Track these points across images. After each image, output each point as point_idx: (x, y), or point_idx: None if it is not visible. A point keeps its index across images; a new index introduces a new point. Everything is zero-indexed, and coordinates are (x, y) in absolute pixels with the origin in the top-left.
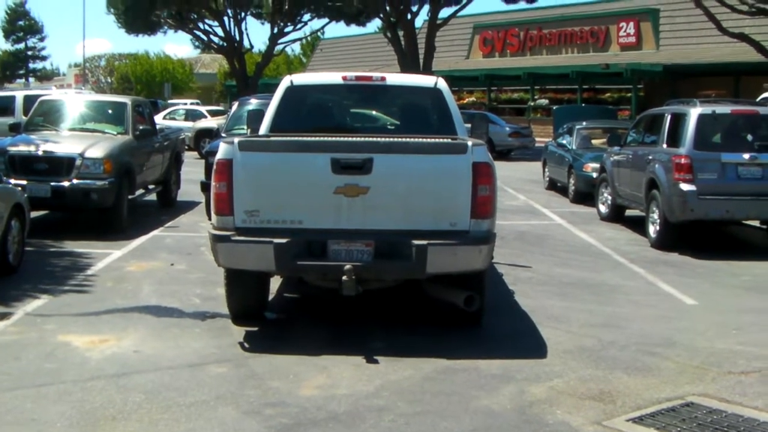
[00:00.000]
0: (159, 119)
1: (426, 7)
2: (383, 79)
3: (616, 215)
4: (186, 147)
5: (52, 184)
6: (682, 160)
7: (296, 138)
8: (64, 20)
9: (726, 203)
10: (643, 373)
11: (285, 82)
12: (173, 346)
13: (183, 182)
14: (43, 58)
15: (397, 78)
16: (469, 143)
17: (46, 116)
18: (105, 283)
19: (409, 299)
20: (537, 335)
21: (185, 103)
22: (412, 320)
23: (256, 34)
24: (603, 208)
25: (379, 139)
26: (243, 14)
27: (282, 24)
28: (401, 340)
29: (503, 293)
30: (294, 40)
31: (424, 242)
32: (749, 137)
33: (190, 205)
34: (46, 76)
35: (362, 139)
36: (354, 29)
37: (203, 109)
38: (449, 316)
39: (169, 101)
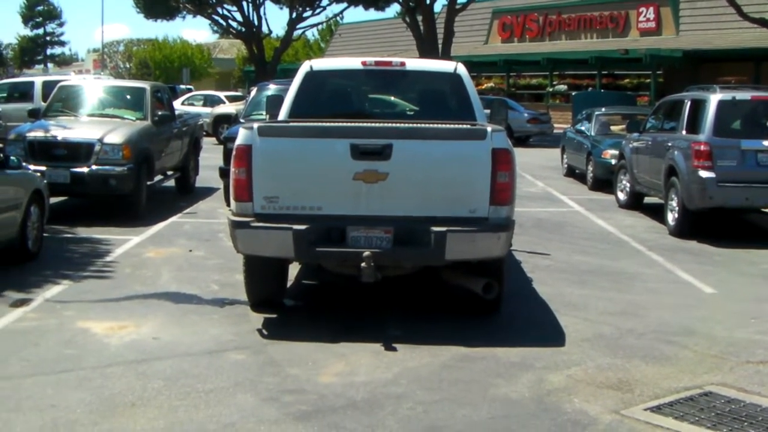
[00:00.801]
0: (177, 105)
1: None
2: (403, 64)
3: (635, 202)
4: (204, 133)
5: (72, 170)
6: (702, 147)
7: (315, 123)
8: (83, 5)
9: (745, 191)
10: (661, 361)
11: (304, 68)
12: (192, 332)
13: (201, 168)
14: (62, 44)
15: (416, 63)
16: (489, 129)
17: (65, 102)
18: (124, 270)
19: (427, 286)
20: (555, 323)
21: (189, 89)
22: (430, 308)
23: (275, 18)
24: (621, 196)
25: (398, 124)
26: None
27: (301, 9)
28: (419, 327)
29: (522, 281)
30: (313, 25)
31: (443, 229)
32: None
33: (208, 192)
34: (64, 62)
35: (381, 124)
36: (372, 14)
37: (222, 94)
38: (467, 304)
39: (186, 86)
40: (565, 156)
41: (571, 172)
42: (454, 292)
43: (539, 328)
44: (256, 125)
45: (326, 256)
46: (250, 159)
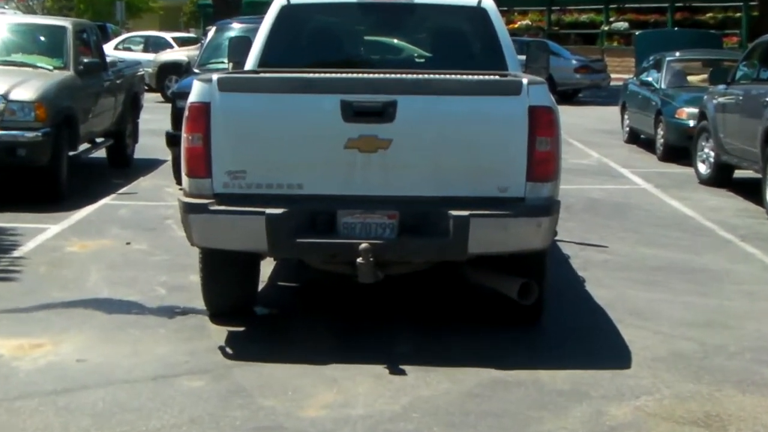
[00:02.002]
0: (109, 49)
1: None
2: None
3: (721, 177)
4: (146, 87)
5: None
6: None
7: (294, 74)
8: None
9: None
10: (763, 389)
11: (279, 1)
12: (131, 352)
13: (142, 134)
14: None
15: None
16: (524, 81)
17: None
18: (37, 269)
19: (444, 289)
20: (616, 337)
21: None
22: (449, 317)
23: None
24: (703, 168)
25: (404, 75)
26: None
27: None
28: (435, 343)
29: (570, 281)
30: None
31: (465, 213)
32: None
33: (151, 165)
34: None
35: (382, 76)
36: None
37: (168, 36)
38: (498, 312)
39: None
40: (626, 116)
41: (635, 138)
42: (479, 296)
43: (595, 343)
44: (215, 77)
45: (310, 250)
46: (207, 121)
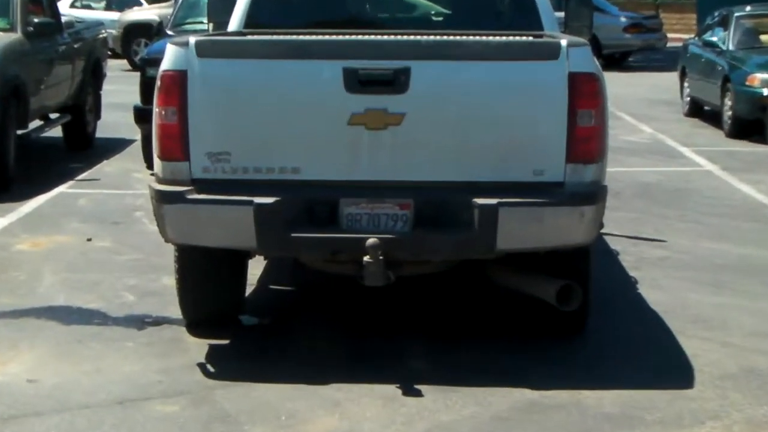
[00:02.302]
0: (65, 7)
1: None
2: None
3: None
4: (109, 52)
5: None
6: None
7: (287, 37)
8: None
9: None
10: None
11: None
12: (93, 370)
13: (105, 109)
14: None
15: None
16: (563, 43)
17: None
18: None
19: (467, 294)
20: (676, 351)
21: None
22: (474, 327)
23: None
24: None
25: (418, 37)
26: None
27: None
28: (457, 358)
29: (620, 283)
30: None
31: (493, 201)
32: None
33: (117, 146)
34: None
35: (392, 38)
36: None
37: None
38: (532, 321)
39: None
40: (686, 84)
41: (697, 110)
42: (509, 302)
43: (650, 358)
44: (192, 39)
45: (308, 246)
46: (184, 93)
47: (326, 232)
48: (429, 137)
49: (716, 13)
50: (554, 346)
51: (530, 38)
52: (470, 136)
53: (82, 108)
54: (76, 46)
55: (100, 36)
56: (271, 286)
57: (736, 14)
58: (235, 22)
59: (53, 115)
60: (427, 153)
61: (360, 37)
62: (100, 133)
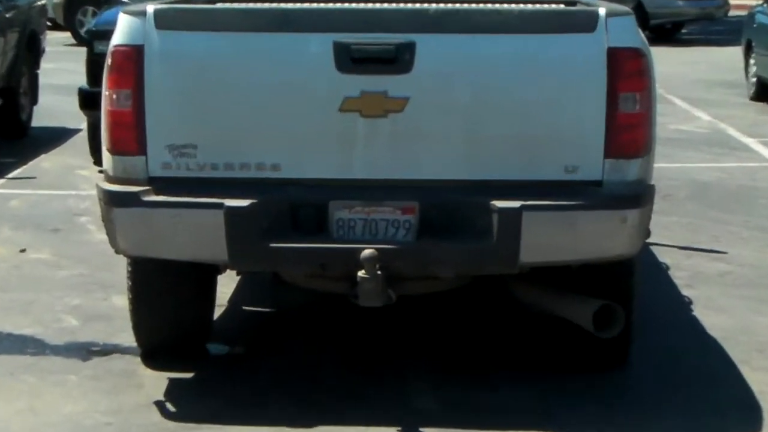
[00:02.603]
0: None
1: None
2: None
3: None
4: (49, 24)
5: None
6: None
7: (266, 6)
8: None
9: None
10: None
11: None
12: (25, 409)
13: (44, 91)
14: None
15: None
16: (601, 12)
17: None
18: None
19: (482, 315)
20: (740, 385)
21: None
22: (490, 357)
23: None
24: None
25: (425, 6)
26: None
27: None
28: (469, 395)
29: (670, 303)
30: None
31: (515, 204)
32: None
33: (57, 136)
34: None
35: (394, 6)
36: None
37: None
38: (563, 349)
39: None
40: (752, 61)
41: (766, 92)
42: (535, 326)
43: (708, 395)
44: (150, 8)
45: (290, 259)
46: (140, 73)
47: (313, 241)
48: (437, 126)
49: None
50: (589, 380)
51: (561, 6)
52: (488, 126)
53: (15, 90)
54: (7, 15)
55: (38, 3)
56: (245, 308)
57: None
58: None
59: None
60: (436, 146)
61: (354, 5)
62: (36, 121)
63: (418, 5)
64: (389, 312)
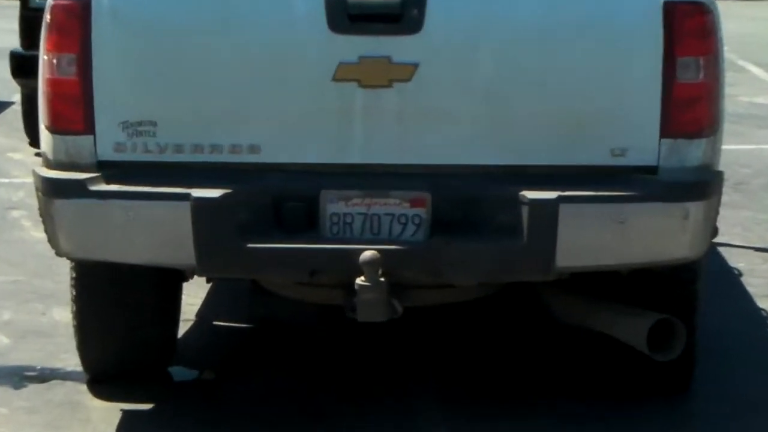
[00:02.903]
0: None
1: None
2: None
3: None
4: None
5: None
6: None
7: None
8: None
9: None
10: None
11: None
12: None
13: None
14: None
15: None
16: None
17: None
18: None
19: (508, 331)
20: None
21: None
22: (518, 381)
23: None
24: None
25: None
26: None
27: None
28: (491, 427)
29: (743, 317)
30: None
31: (550, 195)
32: None
33: None
34: None
35: None
36: None
37: None
38: (610, 374)
39: None
40: None
41: None
42: (574, 345)
43: None
44: None
45: (272, 263)
46: (87, 34)
47: (300, 241)
48: (453, 99)
49: None
50: (639, 410)
51: None
52: (516, 99)
53: None
54: None
55: None
56: (217, 323)
57: None
58: None
59: None
60: (451, 123)
61: None
62: None
63: None
64: (393, 326)
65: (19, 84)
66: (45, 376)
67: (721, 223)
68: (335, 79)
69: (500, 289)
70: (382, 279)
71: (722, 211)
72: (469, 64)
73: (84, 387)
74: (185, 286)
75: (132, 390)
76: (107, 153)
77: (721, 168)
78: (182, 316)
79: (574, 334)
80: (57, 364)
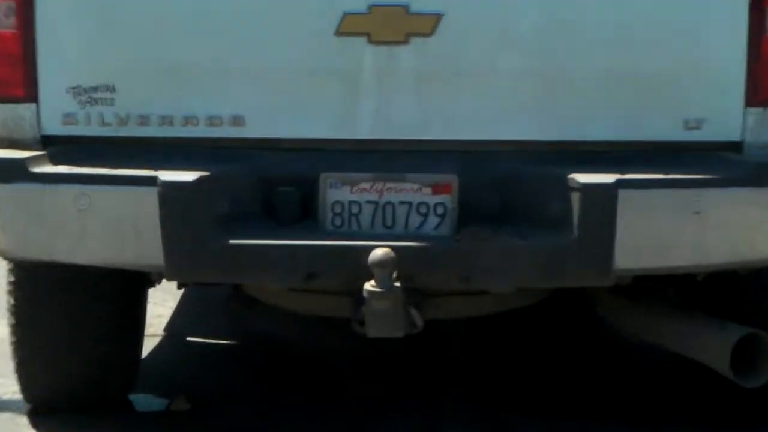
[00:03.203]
0: None
1: None
2: None
3: None
4: None
5: None
6: None
7: None
8: None
9: None
10: None
11: None
12: None
13: None
14: None
15: None
16: None
17: None
18: None
19: (553, 344)
20: None
21: None
22: (565, 402)
23: None
24: None
25: None
26: None
27: None
28: None
29: None
30: None
31: (608, 179)
32: None
33: None
34: None
35: None
36: None
37: None
38: (684, 399)
39: None
40: None
41: None
42: (640, 366)
43: None
44: None
45: (260, 264)
46: None
47: (295, 236)
48: (485, 60)
49: None
50: None
51: None
52: (564, 59)
53: None
54: None
55: None
56: (191, 339)
57: None
58: None
59: None
60: (483, 89)
61: None
62: None
63: None
64: (410, 345)
65: None
66: None
67: None
68: (339, 32)
69: (545, 297)
70: (397, 284)
71: None
72: (506, 13)
73: (24, 419)
74: (151, 293)
75: (85, 423)
76: (54, 126)
77: None
78: (147, 331)
79: (634, 350)
80: None
